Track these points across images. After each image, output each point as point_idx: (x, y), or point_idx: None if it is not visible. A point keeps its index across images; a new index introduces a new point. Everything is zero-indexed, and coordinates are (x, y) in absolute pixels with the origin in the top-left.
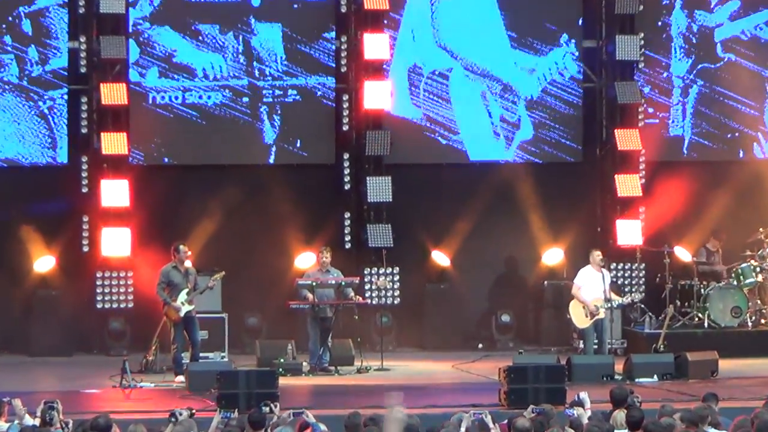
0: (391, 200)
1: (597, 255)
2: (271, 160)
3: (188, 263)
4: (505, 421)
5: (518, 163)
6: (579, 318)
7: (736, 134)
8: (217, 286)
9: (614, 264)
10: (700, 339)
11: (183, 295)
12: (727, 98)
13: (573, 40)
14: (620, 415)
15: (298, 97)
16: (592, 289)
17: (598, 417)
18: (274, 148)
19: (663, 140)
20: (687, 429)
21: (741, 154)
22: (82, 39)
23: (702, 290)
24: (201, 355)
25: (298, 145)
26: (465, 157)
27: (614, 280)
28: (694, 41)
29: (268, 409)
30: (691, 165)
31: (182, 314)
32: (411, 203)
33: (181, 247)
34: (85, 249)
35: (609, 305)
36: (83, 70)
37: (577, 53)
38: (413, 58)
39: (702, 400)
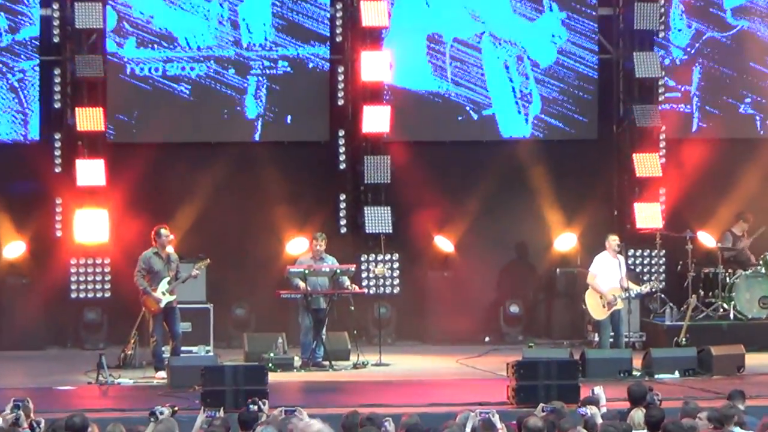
0: (390, 181)
1: (614, 240)
2: (260, 138)
3: (170, 249)
4: (514, 421)
5: (527, 140)
6: (595, 309)
7: (755, 108)
8: (201, 275)
9: (632, 250)
10: (726, 332)
11: (164, 284)
12: (742, 70)
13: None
14: (638, 414)
15: (288, 69)
16: (608, 277)
17: (614, 416)
18: (262, 125)
19: (684, 116)
20: (712, 429)
21: (760, 129)
22: (55, 6)
23: (727, 278)
24: (183, 348)
25: (289, 121)
26: (471, 133)
27: (632, 267)
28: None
29: (256, 407)
30: (714, 143)
31: (163, 305)
32: (412, 184)
33: (163, 231)
34: (59, 234)
35: (627, 295)
36: (56, 39)
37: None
38: (413, 25)
39: (727, 398)
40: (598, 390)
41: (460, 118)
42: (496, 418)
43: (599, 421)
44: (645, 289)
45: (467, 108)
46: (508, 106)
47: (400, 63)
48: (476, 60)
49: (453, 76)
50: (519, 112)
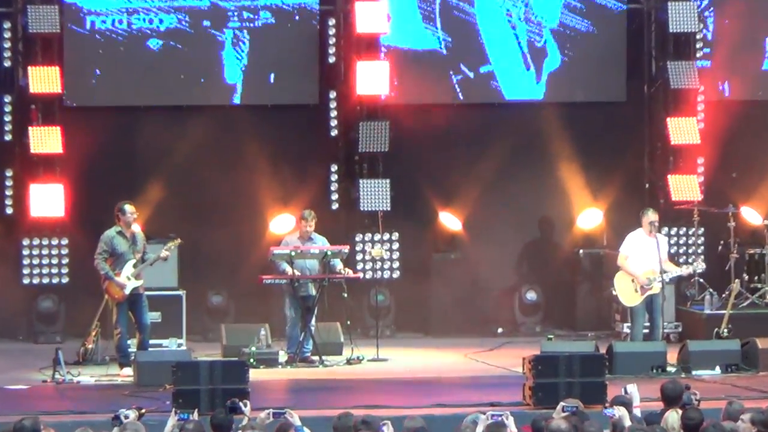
0: (388, 149)
1: (651, 216)
2: (239, 100)
3: (136, 228)
4: (530, 424)
5: (542, 102)
6: (627, 294)
7: None
8: (172, 257)
9: (666, 228)
10: None
11: (129, 268)
12: None
13: None
14: (673, 416)
15: (272, 21)
16: (643, 258)
17: (647, 418)
18: (241, 85)
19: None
20: None
21: None
22: None
23: None
24: (152, 342)
25: (272, 80)
26: (481, 95)
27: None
28: None
29: (234, 409)
30: (762, 105)
31: (128, 291)
32: (413, 153)
33: (127, 207)
34: (9, 210)
35: (665, 277)
36: None
37: None
38: None
39: None
40: (632, 388)
41: (458, 77)
42: (510, 421)
43: (628, 424)
44: (686, 270)
45: (462, 66)
46: (512, 62)
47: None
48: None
49: (445, 30)
50: (528, 69)
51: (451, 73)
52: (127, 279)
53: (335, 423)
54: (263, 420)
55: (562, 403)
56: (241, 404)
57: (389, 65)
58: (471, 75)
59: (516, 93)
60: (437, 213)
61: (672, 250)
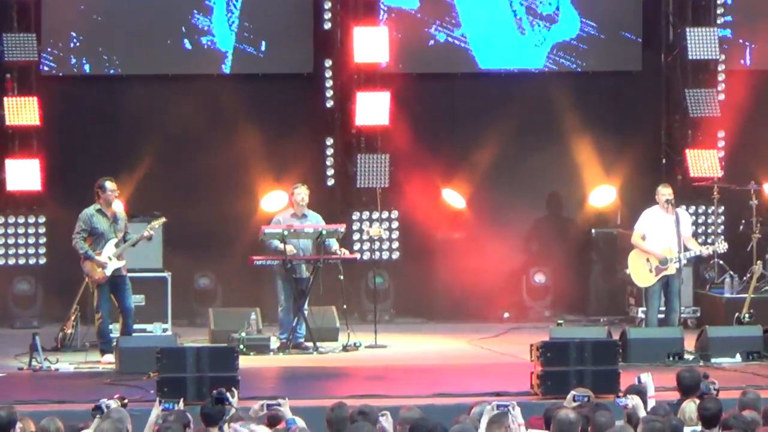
0: (387, 122)
1: (662, 192)
2: (228, 69)
3: (117, 205)
4: (542, 414)
5: (555, 71)
6: (640, 274)
7: None
8: (156, 237)
9: (684, 206)
10: None
11: (110, 248)
12: None
13: None
14: (690, 406)
15: None
16: (660, 237)
17: (664, 409)
18: (231, 53)
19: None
20: None
21: None
22: None
23: None
24: (135, 327)
25: (263, 48)
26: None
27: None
28: None
29: (222, 400)
30: None
31: (109, 272)
32: (415, 126)
33: (107, 184)
34: None
35: (683, 257)
36: None
37: None
38: None
39: None
40: (646, 378)
41: (473, 47)
42: (516, 412)
43: (642, 414)
44: (707, 250)
45: (476, 34)
46: (522, 27)
47: None
48: None
49: None
50: (523, 34)
51: (445, 38)
52: (108, 259)
53: (329, 415)
54: (256, 412)
55: (573, 392)
56: (228, 394)
57: (389, 31)
58: (458, 45)
59: (515, 62)
60: (440, 190)
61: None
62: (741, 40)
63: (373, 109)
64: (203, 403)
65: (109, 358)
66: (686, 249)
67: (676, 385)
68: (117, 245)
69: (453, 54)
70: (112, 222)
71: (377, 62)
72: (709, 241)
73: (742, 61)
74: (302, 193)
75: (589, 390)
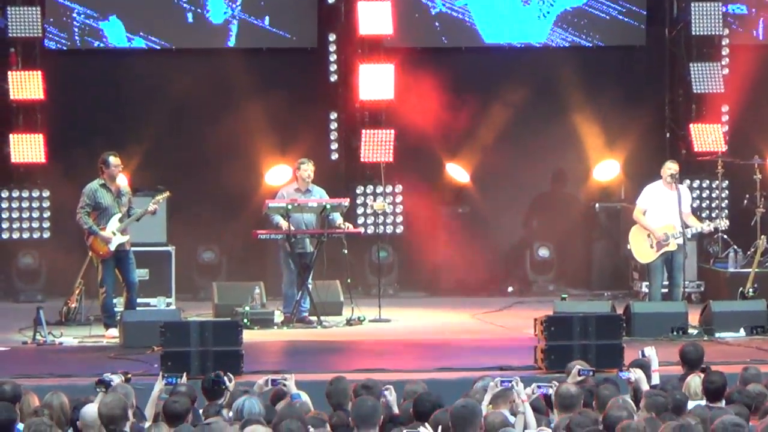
0: (392, 97)
1: (669, 167)
2: (233, 43)
3: (121, 180)
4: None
5: (559, 47)
6: (641, 250)
7: None
8: (160, 211)
9: (687, 181)
10: None
11: (114, 222)
12: None
13: None
14: (695, 381)
15: None
16: (662, 212)
17: (670, 383)
18: (235, 27)
19: (749, 19)
20: None
21: None
22: None
23: None
24: (140, 301)
25: (267, 22)
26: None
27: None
28: None
29: (219, 382)
30: None
31: (113, 247)
32: (419, 100)
33: (111, 158)
34: None
35: (684, 233)
36: None
37: None
38: None
39: None
40: (650, 351)
41: (475, 21)
42: (519, 387)
43: (645, 387)
44: (707, 227)
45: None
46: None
47: None
48: None
49: None
50: (526, 4)
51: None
52: (112, 234)
53: (328, 388)
54: (261, 387)
55: (577, 366)
56: (225, 378)
57: (392, 4)
58: (463, 19)
59: (518, 35)
60: (444, 164)
61: (694, 204)
62: (754, 10)
63: (377, 82)
64: (203, 378)
65: (113, 332)
66: (686, 226)
67: (679, 359)
68: (121, 220)
69: (457, 28)
70: (116, 196)
71: (381, 34)
72: (713, 215)
73: (755, 32)
74: (308, 169)
75: (581, 362)
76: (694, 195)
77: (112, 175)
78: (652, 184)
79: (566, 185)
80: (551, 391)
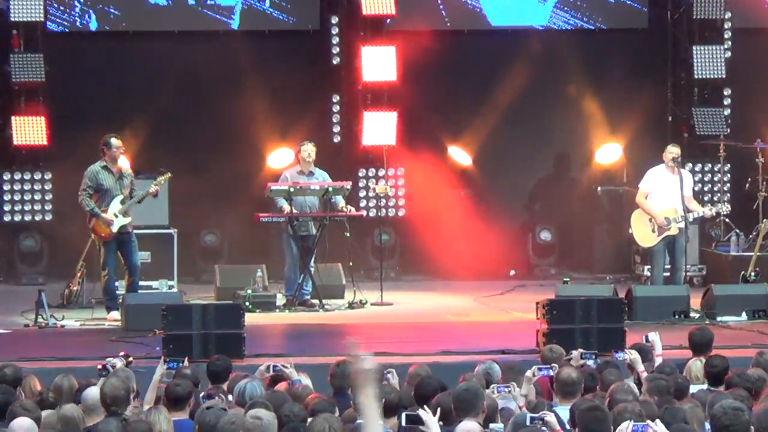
0: (395, 79)
1: (672, 151)
2: (236, 26)
3: (124, 163)
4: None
5: (562, 29)
6: (643, 234)
7: None
8: (162, 193)
9: (689, 164)
10: None
11: (116, 204)
12: None
13: None
14: (697, 365)
15: None
16: (664, 196)
17: (670, 367)
18: (238, 9)
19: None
20: None
21: None
22: None
23: None
24: (141, 284)
25: (268, 4)
26: (487, 21)
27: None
28: None
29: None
30: None
31: (115, 229)
32: (421, 83)
33: (113, 141)
34: None
35: (686, 217)
36: None
37: None
38: None
39: None
40: (654, 336)
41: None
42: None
43: (640, 368)
44: (709, 211)
45: None
46: None
47: None
48: None
49: None
50: None
51: None
52: (114, 216)
53: (333, 371)
54: (262, 373)
55: (580, 350)
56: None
57: None
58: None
59: (520, 17)
60: (446, 147)
61: (696, 188)
62: None
63: (379, 65)
64: (209, 360)
65: (115, 315)
66: (688, 210)
67: (683, 343)
68: (123, 202)
69: (461, 11)
70: (117, 179)
71: (385, 14)
72: (715, 199)
73: (749, 18)
74: (309, 149)
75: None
76: (696, 179)
77: (113, 156)
78: (654, 168)
79: (570, 169)
80: (552, 373)
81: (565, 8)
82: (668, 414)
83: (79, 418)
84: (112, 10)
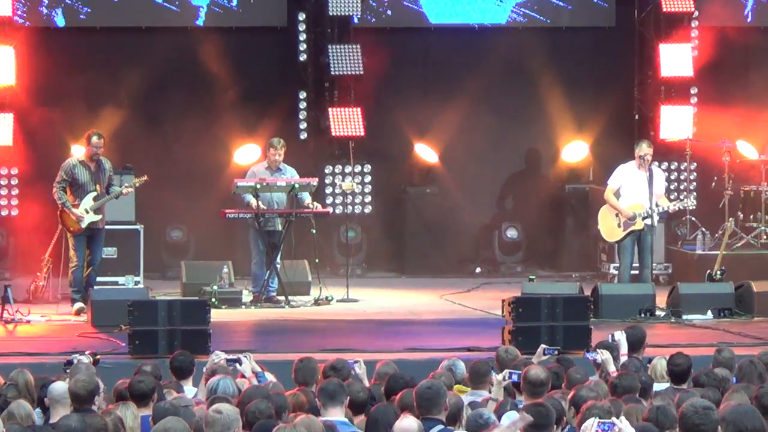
0: (362, 72)
1: (643, 149)
2: (202, 22)
3: (106, 162)
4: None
5: (528, 27)
6: (608, 229)
7: None
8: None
9: (656, 163)
10: None
11: (88, 200)
12: None
13: None
14: (661, 363)
15: None
16: (632, 192)
17: (634, 365)
18: (204, 6)
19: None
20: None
21: None
22: None
23: None
24: (107, 279)
25: (236, 1)
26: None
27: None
28: None
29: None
30: (759, 32)
31: (84, 225)
32: (388, 79)
33: (94, 138)
34: None
35: (653, 213)
36: None
37: None
38: None
39: None
40: (620, 336)
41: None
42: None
43: (612, 369)
44: (675, 206)
45: None
46: None
47: None
48: None
49: None
50: None
51: None
52: (84, 212)
53: (297, 365)
54: (224, 368)
55: (542, 346)
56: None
57: None
58: None
59: (481, 14)
60: (412, 144)
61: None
62: None
63: (345, 61)
64: (173, 356)
65: (80, 306)
66: (658, 205)
67: (645, 343)
68: (96, 198)
69: (422, 6)
70: (94, 173)
71: (350, 15)
72: (681, 197)
73: (745, 13)
74: (276, 153)
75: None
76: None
77: (92, 153)
78: (624, 165)
79: (535, 167)
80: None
81: (535, 6)
82: (661, 413)
83: (28, 415)
84: (80, 7)
